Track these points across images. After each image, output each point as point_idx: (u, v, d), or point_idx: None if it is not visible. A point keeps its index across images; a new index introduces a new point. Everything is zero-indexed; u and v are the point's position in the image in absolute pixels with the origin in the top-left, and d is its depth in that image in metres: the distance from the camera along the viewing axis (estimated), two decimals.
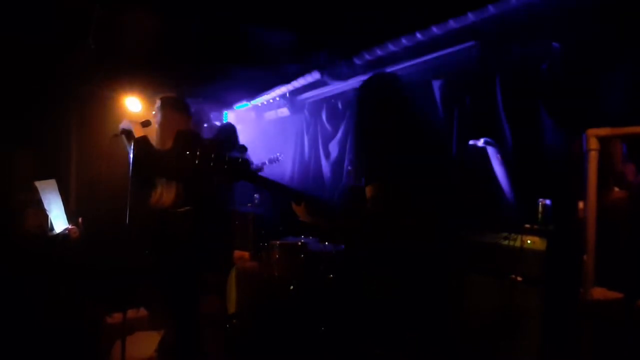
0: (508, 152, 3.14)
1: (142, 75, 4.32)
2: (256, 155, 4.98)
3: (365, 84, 1.96)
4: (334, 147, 5.03)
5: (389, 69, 4.01)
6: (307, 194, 1.80)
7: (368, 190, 1.69)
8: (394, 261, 1.77)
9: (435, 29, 3.42)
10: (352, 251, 3.02)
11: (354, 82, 4.57)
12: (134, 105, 4.10)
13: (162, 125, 2.81)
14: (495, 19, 3.12)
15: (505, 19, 3.10)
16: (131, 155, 2.67)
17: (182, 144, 2.70)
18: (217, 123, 6.34)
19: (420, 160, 1.74)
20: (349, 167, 4.15)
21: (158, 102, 2.84)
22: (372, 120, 1.83)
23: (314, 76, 4.72)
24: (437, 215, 1.77)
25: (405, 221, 1.72)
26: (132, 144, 2.66)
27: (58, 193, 3.39)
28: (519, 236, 2.58)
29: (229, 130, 4.44)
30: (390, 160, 1.70)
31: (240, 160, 1.69)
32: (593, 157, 2.11)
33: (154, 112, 2.86)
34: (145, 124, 2.81)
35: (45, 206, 3.14)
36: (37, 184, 3.17)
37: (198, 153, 1.65)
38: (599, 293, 2.12)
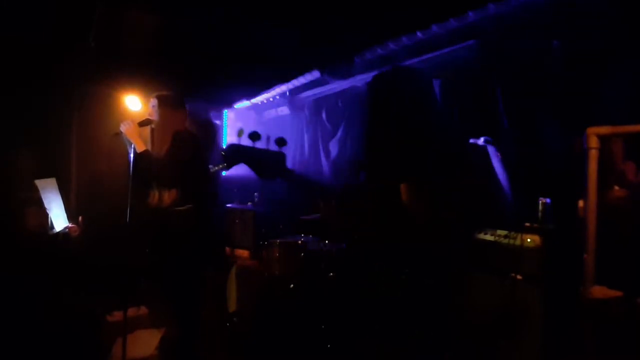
0: (508, 150, 3.14)
1: (142, 74, 4.32)
2: None
3: (382, 76, 1.84)
4: (334, 146, 5.03)
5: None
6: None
7: (403, 189, 1.65)
8: (396, 260, 1.77)
9: (435, 28, 3.42)
10: (354, 250, 3.02)
11: (354, 80, 4.57)
12: (134, 104, 4.10)
13: (159, 124, 2.79)
14: (496, 18, 3.12)
15: (505, 18, 3.10)
16: (131, 156, 2.68)
17: (179, 146, 2.71)
18: (217, 122, 6.34)
19: (442, 158, 1.71)
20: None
21: (154, 101, 2.82)
22: (392, 116, 1.74)
23: (314, 75, 4.72)
24: (452, 215, 1.77)
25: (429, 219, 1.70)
26: (134, 158, 2.67)
27: (58, 191, 3.39)
28: (519, 235, 2.58)
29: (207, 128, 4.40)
30: (416, 158, 1.67)
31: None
32: (593, 156, 2.11)
33: (150, 110, 2.84)
34: (144, 123, 2.80)
35: (46, 205, 3.14)
36: (38, 182, 3.16)
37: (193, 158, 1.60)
38: (599, 291, 2.12)
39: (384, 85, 1.82)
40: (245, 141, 1.67)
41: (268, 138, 1.71)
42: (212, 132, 4.32)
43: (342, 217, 1.85)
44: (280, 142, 1.73)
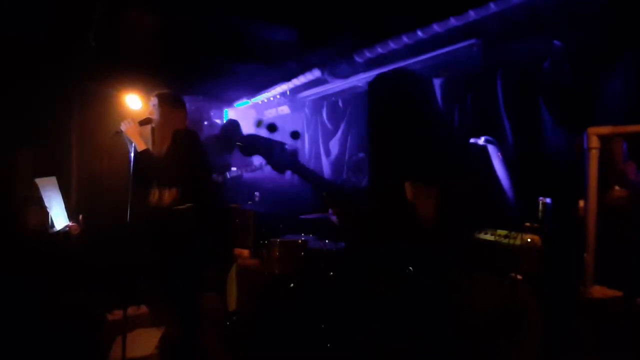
0: (509, 150, 3.14)
1: (143, 73, 4.32)
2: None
3: (383, 78, 1.82)
4: (334, 145, 5.03)
5: (390, 67, 4.00)
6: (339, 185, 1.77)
7: (408, 188, 1.67)
8: (396, 259, 1.77)
9: (436, 27, 3.41)
10: (354, 249, 3.02)
11: (355, 80, 4.56)
12: (134, 103, 4.10)
13: (160, 123, 2.79)
14: (497, 17, 3.12)
15: (506, 17, 3.09)
16: (132, 155, 2.68)
17: (179, 144, 2.71)
18: (218, 121, 6.34)
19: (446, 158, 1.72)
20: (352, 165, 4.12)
21: (154, 99, 2.81)
22: (393, 117, 1.74)
23: (315, 74, 4.72)
24: (453, 215, 1.77)
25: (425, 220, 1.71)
26: (134, 157, 2.67)
27: (58, 190, 3.39)
28: (519, 234, 2.57)
29: (232, 127, 4.47)
30: (420, 158, 1.68)
31: (289, 151, 1.68)
32: (594, 156, 2.11)
33: (150, 109, 2.84)
34: (145, 122, 2.80)
35: (46, 203, 3.14)
36: (38, 181, 3.16)
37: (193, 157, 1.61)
38: (599, 291, 2.12)
39: (385, 86, 1.81)
40: (263, 132, 1.69)
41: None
42: (235, 130, 4.38)
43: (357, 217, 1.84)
44: (295, 135, 1.75)
